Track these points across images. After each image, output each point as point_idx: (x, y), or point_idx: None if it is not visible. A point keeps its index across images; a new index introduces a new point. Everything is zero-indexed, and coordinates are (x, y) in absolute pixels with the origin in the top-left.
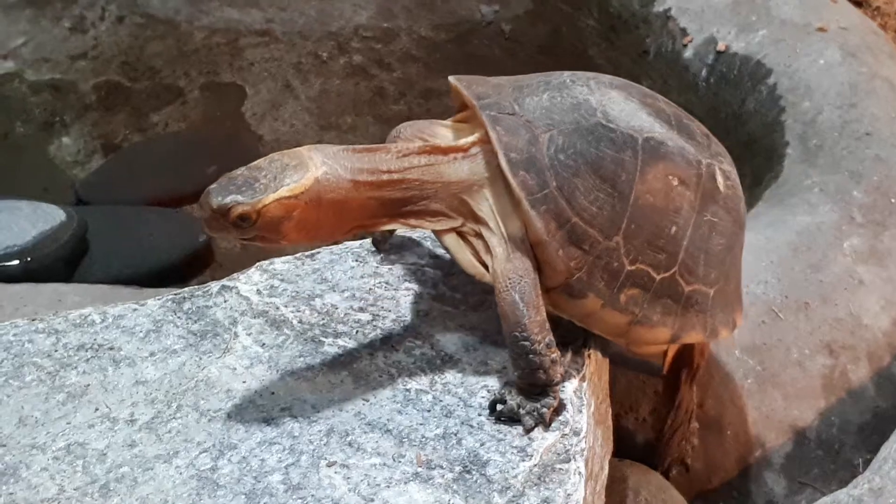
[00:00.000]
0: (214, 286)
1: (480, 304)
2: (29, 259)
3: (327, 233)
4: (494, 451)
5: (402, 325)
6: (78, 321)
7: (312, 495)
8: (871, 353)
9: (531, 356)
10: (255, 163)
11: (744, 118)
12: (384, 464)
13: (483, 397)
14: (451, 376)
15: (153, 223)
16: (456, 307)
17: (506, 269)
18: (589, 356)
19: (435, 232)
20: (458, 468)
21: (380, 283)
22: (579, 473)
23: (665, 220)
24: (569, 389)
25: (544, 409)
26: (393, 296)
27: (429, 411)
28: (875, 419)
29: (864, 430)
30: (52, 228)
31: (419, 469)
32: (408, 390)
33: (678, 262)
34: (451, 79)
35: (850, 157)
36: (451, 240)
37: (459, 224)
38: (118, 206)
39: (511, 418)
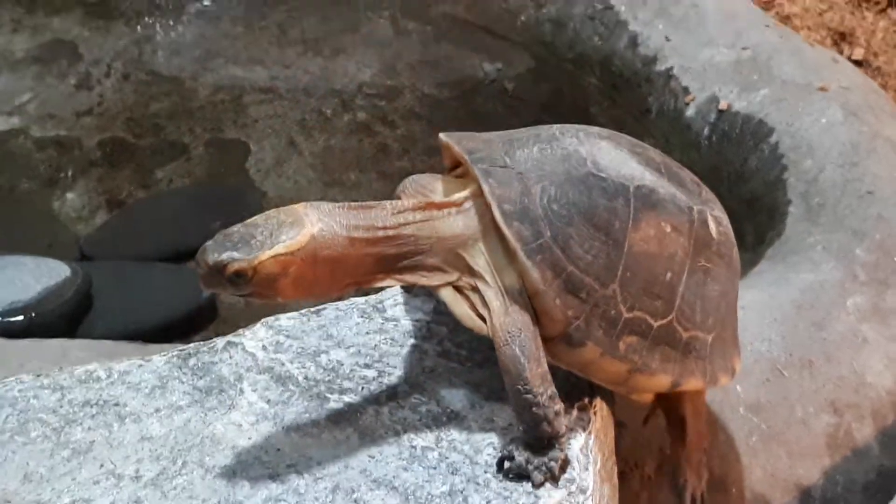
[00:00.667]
0: (220, 342)
1: (486, 360)
2: (33, 314)
3: (323, 289)
4: None
5: (407, 381)
6: (83, 377)
7: None
8: (875, 412)
9: (535, 409)
10: (252, 220)
11: (746, 176)
12: None
13: (489, 454)
14: (456, 433)
15: (157, 279)
16: (461, 363)
17: (504, 322)
18: (595, 412)
19: (431, 287)
20: None
21: (385, 339)
22: None
23: (660, 266)
24: (575, 447)
25: (552, 463)
26: (398, 352)
27: (435, 468)
28: (880, 478)
29: (869, 488)
30: (57, 284)
31: None
32: (413, 447)
33: (675, 309)
34: (441, 136)
35: (853, 215)
36: (448, 294)
37: (456, 278)
38: (122, 261)
39: (519, 475)
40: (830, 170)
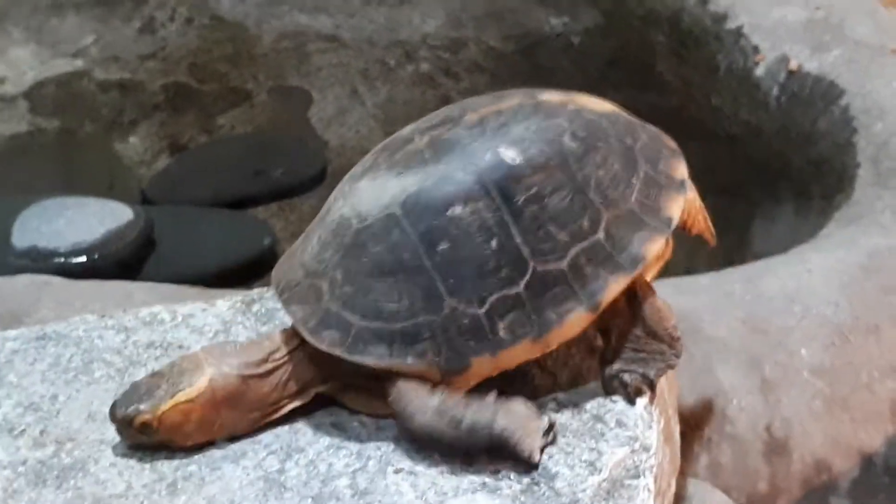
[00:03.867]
0: None
1: None
2: (96, 256)
3: (231, 428)
4: (563, 465)
5: None
6: (147, 319)
7: (379, 501)
8: None
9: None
10: (160, 369)
11: (814, 138)
12: (452, 472)
13: (552, 409)
14: (520, 390)
15: (218, 224)
16: None
17: (394, 407)
18: None
19: (333, 395)
20: (525, 480)
21: None
22: (648, 489)
23: (477, 246)
24: (639, 405)
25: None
26: None
27: None
28: None
29: None
30: (120, 226)
31: (487, 479)
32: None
33: (528, 260)
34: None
35: None
36: (351, 397)
37: (348, 385)
38: (184, 206)
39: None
40: None
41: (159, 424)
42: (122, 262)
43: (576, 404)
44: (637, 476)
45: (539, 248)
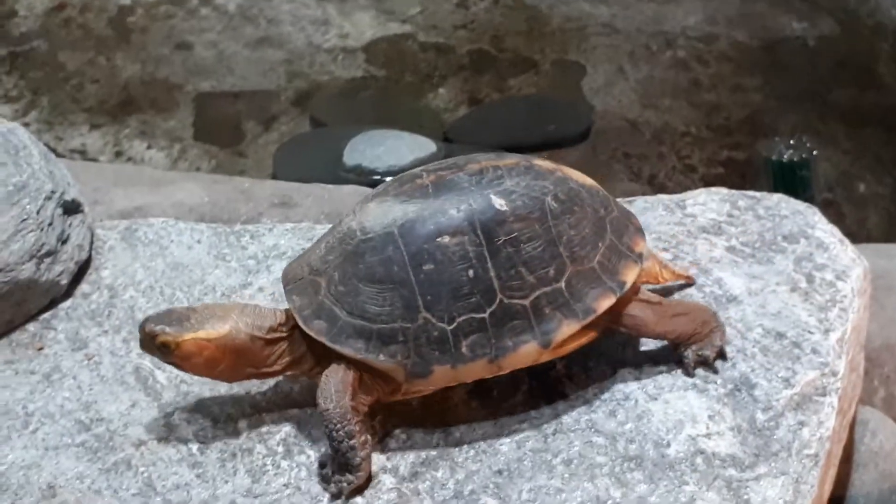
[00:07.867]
0: None
1: (767, 259)
2: None
3: (227, 374)
4: (762, 378)
5: (697, 265)
6: None
7: (608, 388)
8: None
9: (332, 442)
10: (196, 306)
11: None
12: (670, 373)
13: (758, 333)
14: (733, 312)
15: None
16: (744, 259)
17: (323, 377)
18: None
19: (312, 376)
20: (730, 386)
21: (682, 230)
22: (832, 406)
23: (456, 272)
24: (832, 339)
25: (343, 484)
26: (692, 242)
27: None
28: None
29: None
30: (425, 156)
31: (697, 381)
32: None
33: (497, 292)
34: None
35: None
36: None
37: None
38: (475, 146)
39: (324, 478)
40: None
41: (176, 348)
42: None
43: (779, 331)
44: (824, 394)
45: (508, 284)
